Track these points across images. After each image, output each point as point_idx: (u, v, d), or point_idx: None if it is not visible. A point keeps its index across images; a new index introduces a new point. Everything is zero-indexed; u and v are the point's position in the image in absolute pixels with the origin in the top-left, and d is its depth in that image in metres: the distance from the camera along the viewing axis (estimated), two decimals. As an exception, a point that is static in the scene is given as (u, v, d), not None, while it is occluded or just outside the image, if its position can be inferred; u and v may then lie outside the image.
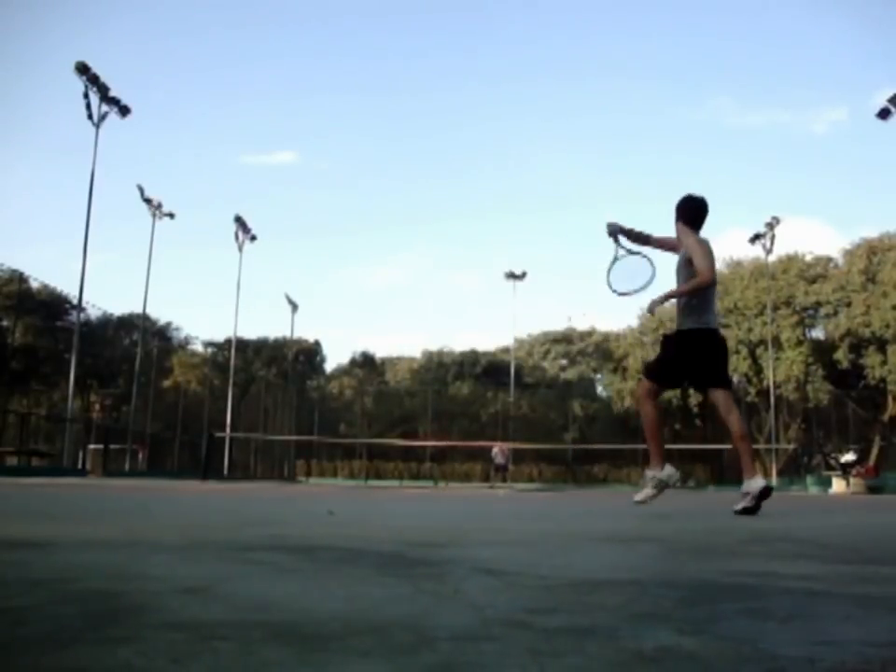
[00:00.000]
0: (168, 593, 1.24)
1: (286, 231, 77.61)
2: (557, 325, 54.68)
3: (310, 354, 48.81)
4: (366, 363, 52.06)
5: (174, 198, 74.73)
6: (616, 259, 5.05)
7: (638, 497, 4.73)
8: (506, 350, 44.28)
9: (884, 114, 24.53)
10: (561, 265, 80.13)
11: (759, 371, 36.24)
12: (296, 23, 71.94)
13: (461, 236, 78.48)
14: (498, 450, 26.29)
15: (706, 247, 4.68)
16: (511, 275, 37.33)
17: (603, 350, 47.80)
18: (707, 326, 4.66)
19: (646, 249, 5.09)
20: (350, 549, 2.11)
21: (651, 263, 5.00)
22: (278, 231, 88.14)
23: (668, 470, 4.64)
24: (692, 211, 4.82)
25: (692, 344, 4.65)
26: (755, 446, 35.23)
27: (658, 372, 4.86)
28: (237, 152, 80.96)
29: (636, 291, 4.95)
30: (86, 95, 21.53)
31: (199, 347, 43.07)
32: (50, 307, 30.88)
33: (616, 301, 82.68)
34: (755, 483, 4.42)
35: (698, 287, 4.60)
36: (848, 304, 35.41)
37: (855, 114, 60.38)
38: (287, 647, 0.88)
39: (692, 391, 37.90)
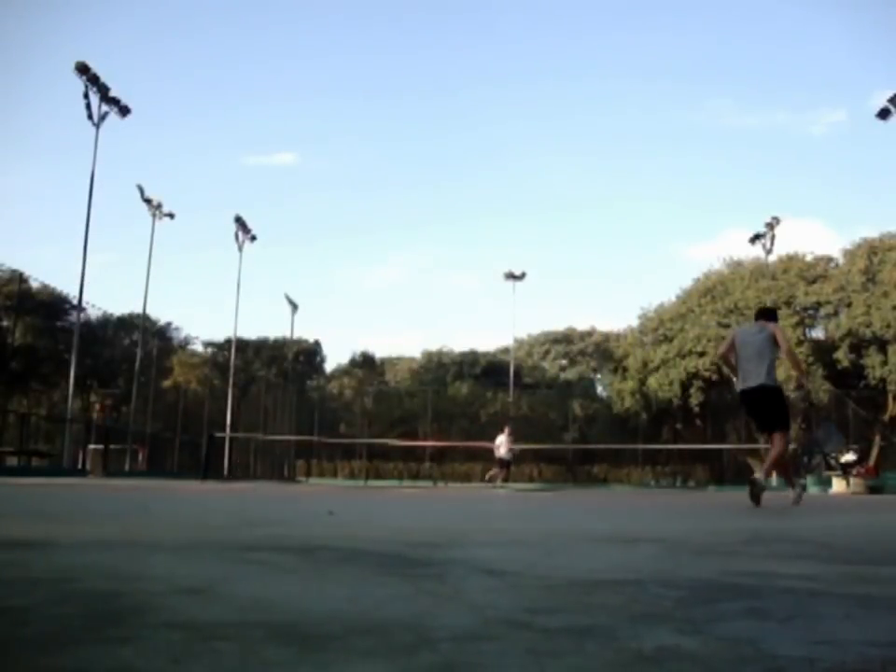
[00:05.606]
0: (168, 593, 1.24)
1: (286, 231, 77.70)
2: (557, 325, 54.75)
3: (310, 354, 48.79)
4: (366, 363, 52.04)
5: (174, 198, 74.37)
6: None
7: None
8: (506, 350, 44.25)
9: (884, 114, 24.50)
10: (561, 265, 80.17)
11: (759, 370, 36.16)
12: (296, 24, 72.02)
13: (461, 236, 78.53)
14: (505, 437, 19.55)
15: None
16: (511, 275, 37.26)
17: (603, 350, 47.79)
18: None
19: None
20: (350, 549, 2.10)
21: None
22: (278, 232, 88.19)
23: None
24: None
25: None
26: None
27: None
28: (237, 153, 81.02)
29: None
30: (86, 95, 21.50)
31: (199, 347, 43.05)
32: (50, 307, 30.83)
33: (617, 301, 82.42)
34: None
35: None
36: (849, 304, 35.34)
37: (854, 115, 60.35)
38: (287, 647, 0.88)
39: (692, 391, 37.94)
